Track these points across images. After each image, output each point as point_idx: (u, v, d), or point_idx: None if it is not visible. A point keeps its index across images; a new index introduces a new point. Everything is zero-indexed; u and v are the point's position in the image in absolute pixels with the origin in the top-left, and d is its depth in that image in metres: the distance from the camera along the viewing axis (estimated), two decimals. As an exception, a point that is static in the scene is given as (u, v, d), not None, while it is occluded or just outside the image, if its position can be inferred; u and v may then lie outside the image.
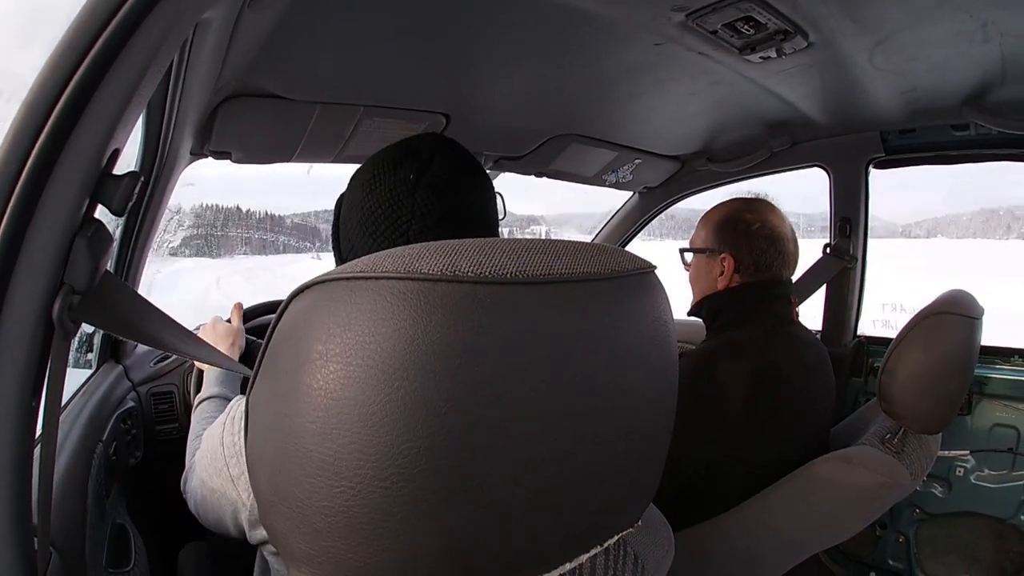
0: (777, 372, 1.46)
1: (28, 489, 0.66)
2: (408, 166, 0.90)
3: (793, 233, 1.64)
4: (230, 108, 1.43)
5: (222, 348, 1.47)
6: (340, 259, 0.97)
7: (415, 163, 0.90)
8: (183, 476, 1.09)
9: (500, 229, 1.02)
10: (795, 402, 1.48)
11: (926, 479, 1.47)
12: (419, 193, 0.87)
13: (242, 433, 0.77)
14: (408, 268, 0.48)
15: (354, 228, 0.92)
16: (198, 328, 1.61)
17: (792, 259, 1.63)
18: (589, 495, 0.60)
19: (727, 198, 1.72)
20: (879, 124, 2.10)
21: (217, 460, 0.86)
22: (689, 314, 1.72)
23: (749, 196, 1.72)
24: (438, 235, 0.71)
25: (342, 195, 0.97)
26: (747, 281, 1.59)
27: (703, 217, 1.69)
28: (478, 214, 0.93)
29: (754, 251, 1.58)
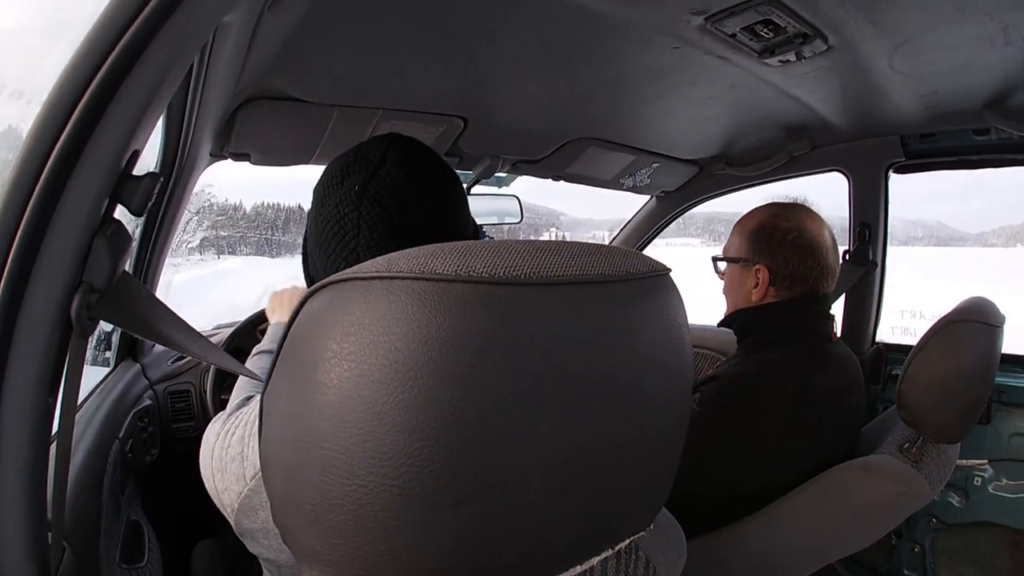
0: (812, 399, 1.42)
1: (43, 486, 0.66)
2: (355, 175, 0.83)
3: (834, 242, 1.56)
4: (249, 110, 1.44)
5: (286, 311, 1.33)
6: (307, 277, 0.92)
7: (363, 171, 0.83)
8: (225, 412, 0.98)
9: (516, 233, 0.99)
10: (827, 425, 1.45)
11: (944, 488, 1.44)
12: (364, 205, 0.81)
13: (247, 441, 0.78)
14: (423, 268, 0.48)
15: (312, 245, 0.87)
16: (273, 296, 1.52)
17: (832, 272, 1.54)
18: (601, 497, 0.60)
19: (762, 202, 1.64)
20: (899, 128, 2.07)
21: (216, 452, 0.85)
22: (721, 324, 1.67)
23: (786, 200, 1.63)
24: (386, 249, 0.58)
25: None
26: (783, 298, 1.51)
27: (737, 223, 1.61)
28: (438, 221, 0.85)
29: (790, 262, 1.49)
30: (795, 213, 1.55)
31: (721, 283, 1.67)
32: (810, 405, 1.42)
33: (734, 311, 1.60)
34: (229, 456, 0.81)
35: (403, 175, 0.84)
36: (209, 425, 0.93)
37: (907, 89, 1.71)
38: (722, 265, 1.64)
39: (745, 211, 1.63)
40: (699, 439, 1.26)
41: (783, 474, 1.41)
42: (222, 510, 0.83)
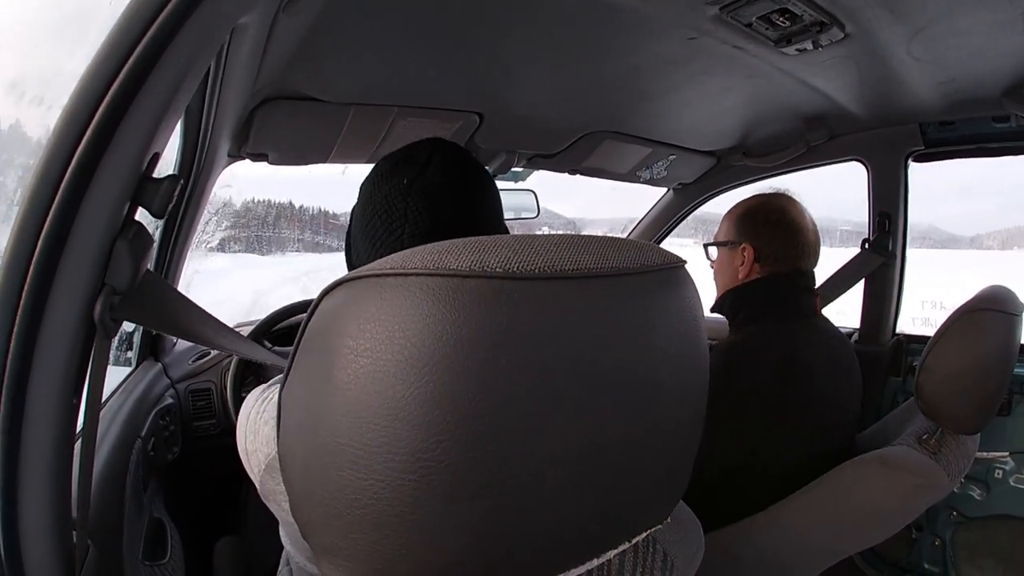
0: (802, 363, 1.44)
1: (68, 484, 0.67)
2: (404, 171, 0.89)
3: (814, 225, 1.63)
4: (266, 111, 1.45)
5: None
6: (350, 266, 0.94)
7: (411, 168, 0.89)
8: None
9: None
10: (820, 395, 1.45)
11: (964, 481, 1.43)
12: (412, 198, 0.86)
13: (264, 416, 0.78)
14: (437, 264, 0.48)
15: (358, 235, 0.91)
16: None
17: (812, 250, 1.61)
18: (618, 491, 0.60)
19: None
20: (918, 116, 2.04)
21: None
22: (712, 310, 1.71)
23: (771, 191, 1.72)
24: (429, 239, 0.63)
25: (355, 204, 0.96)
26: (768, 273, 1.58)
27: (727, 213, 1.70)
28: (473, 216, 0.90)
29: (773, 241, 1.58)
30: (777, 199, 1.64)
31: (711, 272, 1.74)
32: (800, 372, 1.43)
33: (723, 292, 1.66)
34: (263, 419, 0.82)
35: (445, 175, 0.89)
36: (250, 393, 0.94)
37: (925, 76, 1.68)
38: (713, 252, 1.71)
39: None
40: None
41: (783, 447, 1.42)
42: (249, 472, 0.84)
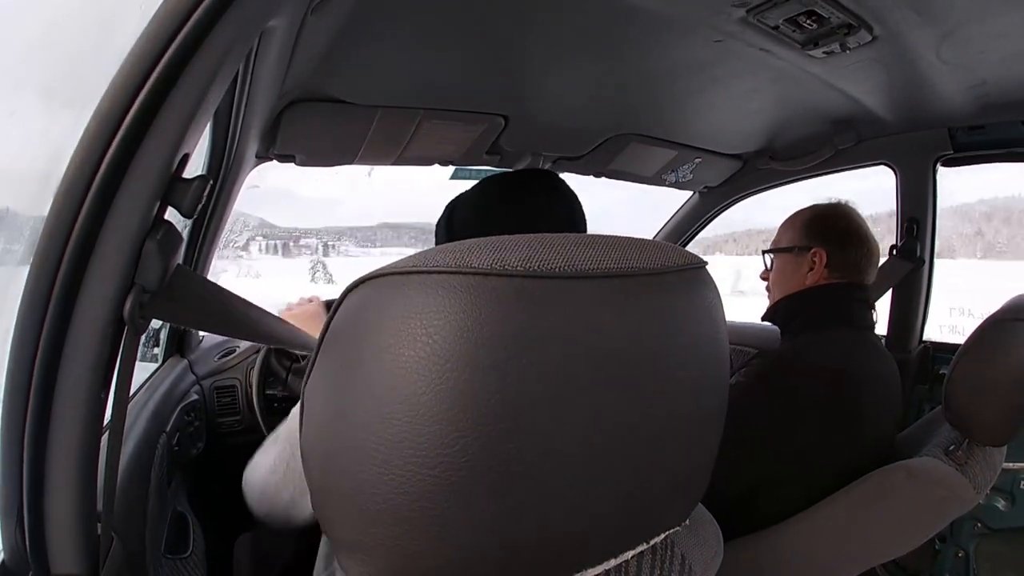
0: (855, 376, 1.42)
1: (94, 476, 0.69)
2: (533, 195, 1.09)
3: (875, 239, 1.61)
4: (294, 113, 1.47)
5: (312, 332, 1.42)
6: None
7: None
8: (244, 477, 1.07)
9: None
10: (868, 413, 1.43)
11: (989, 492, 1.41)
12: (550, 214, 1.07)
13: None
14: (459, 263, 0.49)
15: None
16: (287, 308, 1.59)
17: (875, 264, 1.60)
18: (636, 492, 0.60)
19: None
20: (947, 120, 2.01)
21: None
22: (764, 318, 1.69)
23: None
24: None
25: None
26: (835, 281, 1.55)
27: (787, 221, 1.67)
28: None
29: (846, 249, 1.55)
30: (844, 207, 1.62)
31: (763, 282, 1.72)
32: (854, 385, 1.41)
33: (781, 298, 1.63)
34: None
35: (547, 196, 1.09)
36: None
37: (955, 80, 1.66)
38: (771, 260, 1.68)
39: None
40: (748, 412, 1.34)
41: (825, 459, 1.40)
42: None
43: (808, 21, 1.31)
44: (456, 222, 1.11)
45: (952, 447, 1.35)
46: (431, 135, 1.75)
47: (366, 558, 0.55)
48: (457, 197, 1.13)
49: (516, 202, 1.08)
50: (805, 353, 1.47)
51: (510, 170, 1.16)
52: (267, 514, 1.00)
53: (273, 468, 0.98)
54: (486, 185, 1.11)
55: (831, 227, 1.57)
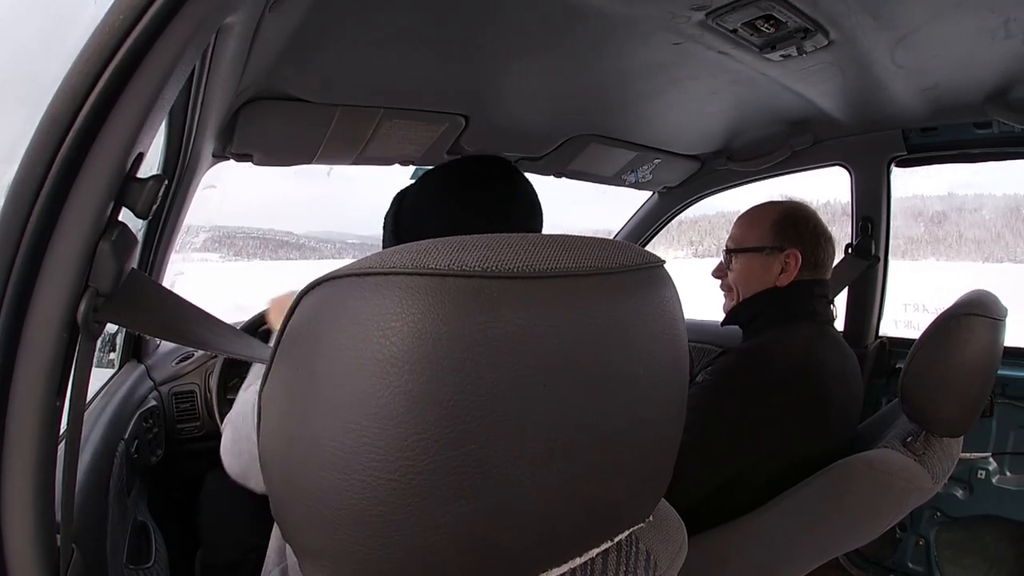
0: (818, 367, 1.45)
1: (52, 487, 0.67)
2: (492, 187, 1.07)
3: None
4: (251, 111, 1.44)
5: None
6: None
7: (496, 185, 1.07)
8: (222, 444, 1.07)
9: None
10: (830, 401, 1.46)
11: (947, 481, 1.45)
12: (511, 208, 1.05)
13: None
14: (416, 263, 0.49)
15: (413, 228, 1.05)
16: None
17: (833, 260, 1.65)
18: (598, 489, 0.60)
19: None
20: (901, 122, 2.07)
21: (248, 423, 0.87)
22: (725, 322, 1.70)
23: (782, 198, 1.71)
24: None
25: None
26: (802, 279, 1.57)
27: (749, 219, 1.67)
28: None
29: (816, 249, 1.58)
30: (806, 206, 1.64)
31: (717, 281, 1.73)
32: (819, 376, 1.44)
33: (746, 297, 1.64)
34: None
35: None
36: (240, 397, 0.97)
37: (909, 83, 1.71)
38: (736, 260, 1.67)
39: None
40: (716, 408, 1.37)
41: (794, 451, 1.42)
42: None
43: (766, 25, 1.33)
44: (404, 216, 1.08)
45: (910, 439, 1.38)
46: (391, 134, 1.73)
47: (328, 564, 0.54)
48: (404, 189, 1.11)
49: (470, 191, 1.05)
50: (772, 347, 1.50)
51: (457, 159, 1.12)
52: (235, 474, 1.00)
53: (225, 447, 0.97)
54: (434, 175, 1.09)
55: (803, 228, 1.59)
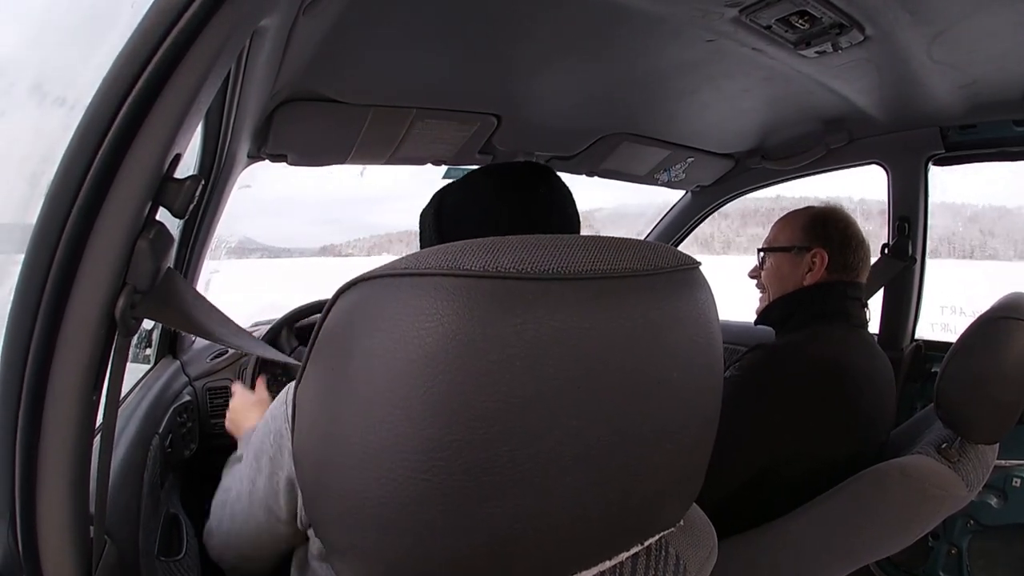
0: (850, 369, 1.44)
1: (86, 479, 0.68)
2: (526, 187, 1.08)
3: (867, 241, 1.65)
4: (286, 112, 1.46)
5: (254, 417, 1.36)
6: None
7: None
8: (206, 528, 1.07)
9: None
10: (863, 406, 1.45)
11: (981, 489, 1.42)
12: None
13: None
14: (451, 264, 0.49)
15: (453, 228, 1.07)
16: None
17: (868, 264, 1.65)
18: (629, 493, 0.60)
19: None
20: (938, 120, 2.03)
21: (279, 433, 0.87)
22: (758, 322, 1.71)
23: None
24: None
25: None
26: (833, 279, 1.58)
27: (783, 220, 1.70)
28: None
29: (845, 250, 1.59)
30: (839, 210, 1.65)
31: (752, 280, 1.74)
32: (850, 377, 1.43)
33: (777, 297, 1.65)
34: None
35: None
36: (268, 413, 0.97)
37: (946, 79, 1.67)
38: (767, 260, 1.69)
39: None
40: (743, 404, 1.36)
41: (820, 451, 1.41)
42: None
43: (800, 21, 1.32)
44: (447, 215, 1.08)
45: (944, 445, 1.35)
46: (424, 134, 1.74)
47: (359, 562, 0.55)
48: (446, 188, 1.12)
49: (513, 193, 1.05)
50: (802, 345, 1.49)
51: (501, 163, 1.15)
52: (235, 553, 0.98)
53: (238, 496, 0.95)
54: (478, 176, 1.10)
55: (832, 229, 1.60)
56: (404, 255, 0.52)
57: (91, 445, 0.67)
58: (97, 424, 0.68)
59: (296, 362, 1.06)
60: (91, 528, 0.72)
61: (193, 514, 1.45)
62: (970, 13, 1.29)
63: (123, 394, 1.40)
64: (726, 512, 1.24)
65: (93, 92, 0.57)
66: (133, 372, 1.68)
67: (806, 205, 1.69)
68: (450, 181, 1.11)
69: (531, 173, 1.08)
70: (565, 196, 1.10)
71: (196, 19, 0.57)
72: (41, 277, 0.59)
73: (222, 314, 0.83)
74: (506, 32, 1.33)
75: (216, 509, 1.04)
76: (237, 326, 0.85)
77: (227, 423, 1.45)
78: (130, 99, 0.57)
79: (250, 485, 0.92)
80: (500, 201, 1.04)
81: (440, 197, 1.10)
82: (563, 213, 1.08)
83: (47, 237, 0.58)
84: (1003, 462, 1.82)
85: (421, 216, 1.12)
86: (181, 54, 0.58)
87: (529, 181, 1.06)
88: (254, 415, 1.38)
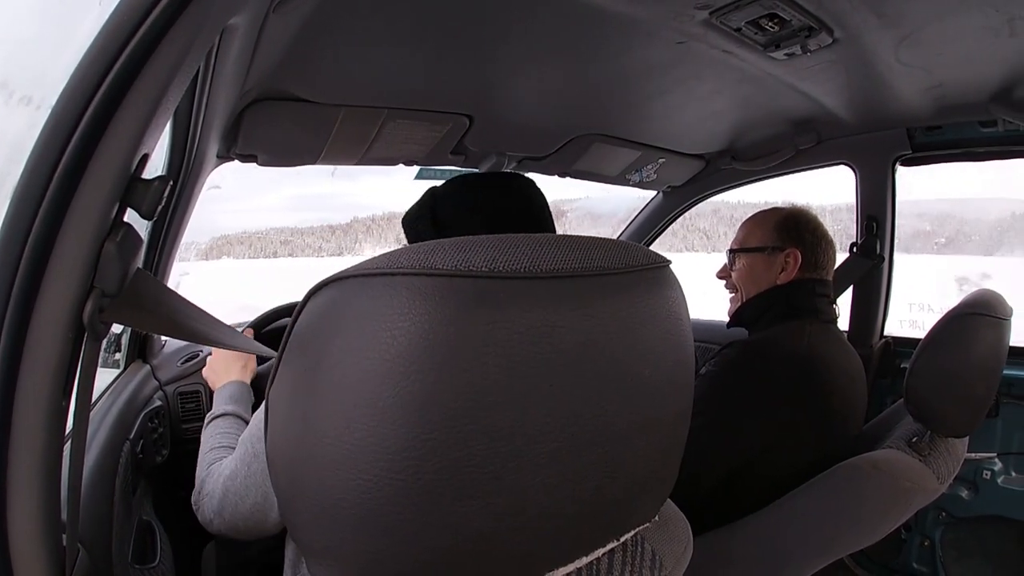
0: (821, 362, 1.47)
1: (57, 486, 0.67)
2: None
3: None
4: (256, 112, 1.44)
5: (234, 372, 1.50)
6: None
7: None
8: (195, 488, 1.12)
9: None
10: (835, 401, 1.48)
11: (952, 481, 1.45)
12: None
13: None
14: (423, 264, 0.49)
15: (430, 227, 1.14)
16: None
17: (835, 262, 1.68)
18: (604, 489, 0.60)
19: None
20: (905, 121, 2.07)
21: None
22: (731, 324, 1.74)
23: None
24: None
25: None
26: (804, 277, 1.61)
27: (753, 221, 1.73)
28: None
29: (816, 249, 1.63)
30: (806, 211, 1.69)
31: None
32: (823, 371, 1.46)
33: (751, 297, 1.68)
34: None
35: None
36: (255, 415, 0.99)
37: (913, 81, 1.70)
38: (739, 260, 1.72)
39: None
40: (718, 400, 1.39)
41: (795, 445, 1.43)
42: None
43: (770, 23, 1.33)
44: (442, 210, 1.14)
45: (915, 439, 1.38)
46: (396, 135, 1.74)
47: (335, 564, 0.55)
48: (436, 190, 1.16)
49: (497, 195, 1.13)
50: (776, 341, 1.52)
51: (485, 172, 1.20)
52: (228, 524, 0.99)
53: (233, 474, 0.97)
54: (468, 181, 1.17)
55: (804, 230, 1.63)
56: (376, 255, 0.52)
57: (61, 452, 0.66)
58: (67, 431, 0.67)
59: (271, 351, 1.06)
60: (63, 537, 0.71)
61: (166, 521, 1.44)
62: (937, 17, 1.32)
63: (93, 400, 1.38)
64: (703, 508, 1.26)
65: (60, 90, 0.56)
66: (103, 377, 1.66)
67: (771, 207, 1.73)
68: (436, 183, 1.17)
69: (513, 180, 1.17)
70: (543, 205, 1.17)
71: (164, 17, 0.56)
72: (7, 281, 0.58)
73: (196, 308, 0.82)
74: (479, 33, 1.33)
75: (208, 481, 1.08)
76: (212, 318, 0.84)
77: (205, 372, 1.55)
78: (97, 97, 0.56)
79: (245, 468, 0.93)
80: (489, 202, 1.12)
81: (432, 194, 1.16)
82: (542, 213, 1.16)
83: (13, 240, 0.57)
84: (973, 455, 1.87)
85: (407, 214, 1.16)
86: (149, 52, 0.57)
87: (513, 186, 1.16)
88: (234, 369, 1.48)
